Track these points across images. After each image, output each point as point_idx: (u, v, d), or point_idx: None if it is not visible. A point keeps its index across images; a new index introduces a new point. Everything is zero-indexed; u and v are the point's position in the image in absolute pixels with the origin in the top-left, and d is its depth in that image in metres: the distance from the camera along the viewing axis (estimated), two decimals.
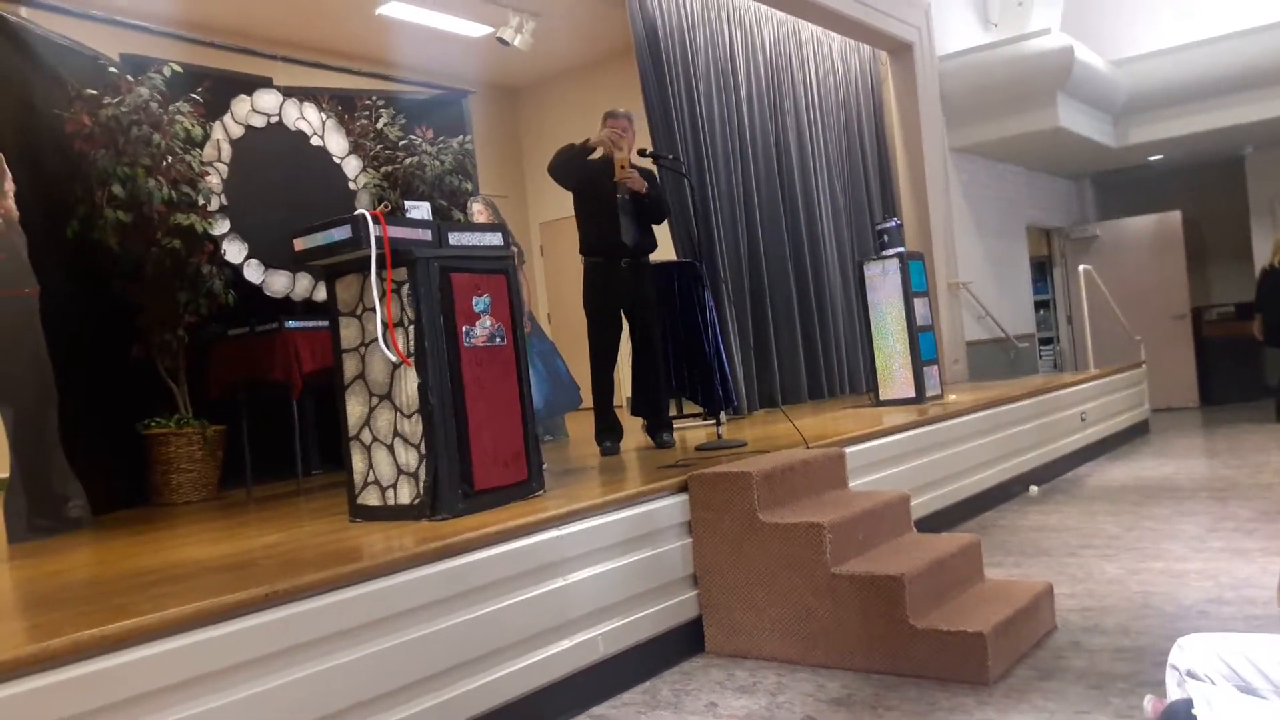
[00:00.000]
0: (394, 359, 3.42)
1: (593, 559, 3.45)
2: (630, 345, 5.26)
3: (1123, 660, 3.33)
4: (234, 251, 5.22)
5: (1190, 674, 1.55)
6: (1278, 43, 9.39)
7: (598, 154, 5.01)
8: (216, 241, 5.16)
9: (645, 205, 5.13)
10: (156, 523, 4.45)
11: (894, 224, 7.18)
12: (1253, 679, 1.48)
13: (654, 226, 5.27)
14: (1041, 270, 12.27)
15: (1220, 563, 4.45)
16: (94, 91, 4.90)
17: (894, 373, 6.86)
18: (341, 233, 3.42)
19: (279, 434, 5.21)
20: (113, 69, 5.10)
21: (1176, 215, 11.76)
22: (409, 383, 3.45)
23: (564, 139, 5.24)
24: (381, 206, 3.71)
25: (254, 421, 5.28)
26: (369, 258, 3.37)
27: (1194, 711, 1.36)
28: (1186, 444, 8.77)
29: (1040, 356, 11.45)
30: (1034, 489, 6.68)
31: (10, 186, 4.30)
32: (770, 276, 7.70)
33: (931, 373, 6.94)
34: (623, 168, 4.95)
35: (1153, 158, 11.51)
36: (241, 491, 5.17)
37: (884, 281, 6.87)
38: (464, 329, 3.51)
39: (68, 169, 4.83)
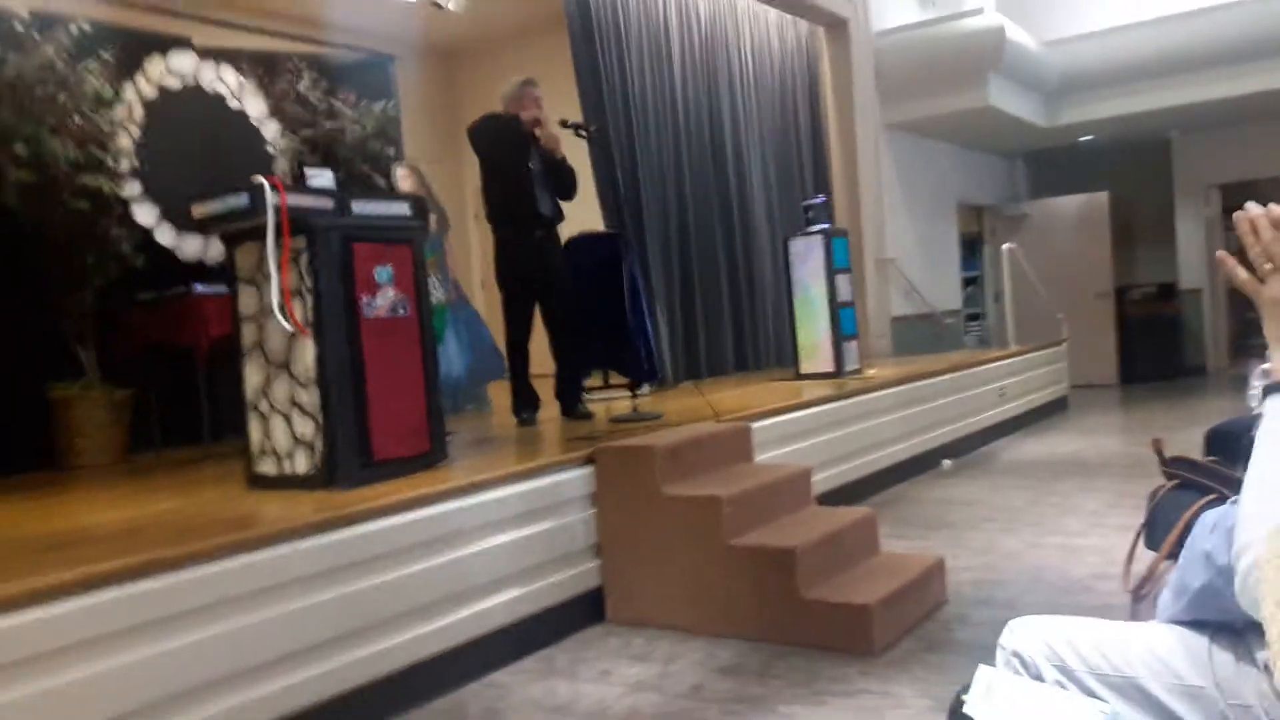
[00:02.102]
0: (290, 329, 3.40)
1: (494, 530, 3.49)
2: (543, 317, 5.25)
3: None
4: (144, 214, 5.12)
5: (1016, 655, 1.59)
6: (1206, 28, 9.57)
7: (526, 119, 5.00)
8: (126, 204, 5.06)
9: (560, 174, 5.13)
10: (58, 487, 4.40)
11: (820, 200, 7.25)
12: (1073, 663, 1.53)
13: (564, 202, 5.28)
14: (972, 247, 12.45)
15: (1113, 538, 4.59)
16: None
17: (816, 347, 6.95)
18: (239, 200, 3.39)
19: (189, 399, 5.15)
20: (19, 26, 4.95)
21: (1104, 196, 11.98)
22: (306, 353, 3.44)
23: (499, 103, 5.22)
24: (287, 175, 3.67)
25: (164, 386, 5.21)
26: (266, 225, 3.34)
27: (964, 697, 1.40)
28: (1101, 421, 9.01)
29: (967, 332, 11.64)
30: (946, 463, 6.83)
31: None
32: (699, 249, 7.73)
33: (852, 348, 7.03)
34: (546, 131, 4.96)
35: (1082, 138, 11.71)
36: (150, 456, 5.12)
37: (808, 257, 6.93)
38: (364, 299, 3.50)
39: None
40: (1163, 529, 2.69)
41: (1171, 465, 2.86)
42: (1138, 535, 2.80)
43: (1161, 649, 1.48)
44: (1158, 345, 11.80)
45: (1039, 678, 1.56)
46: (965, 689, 1.44)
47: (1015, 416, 8.32)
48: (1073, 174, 12.61)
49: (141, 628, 2.50)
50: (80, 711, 2.36)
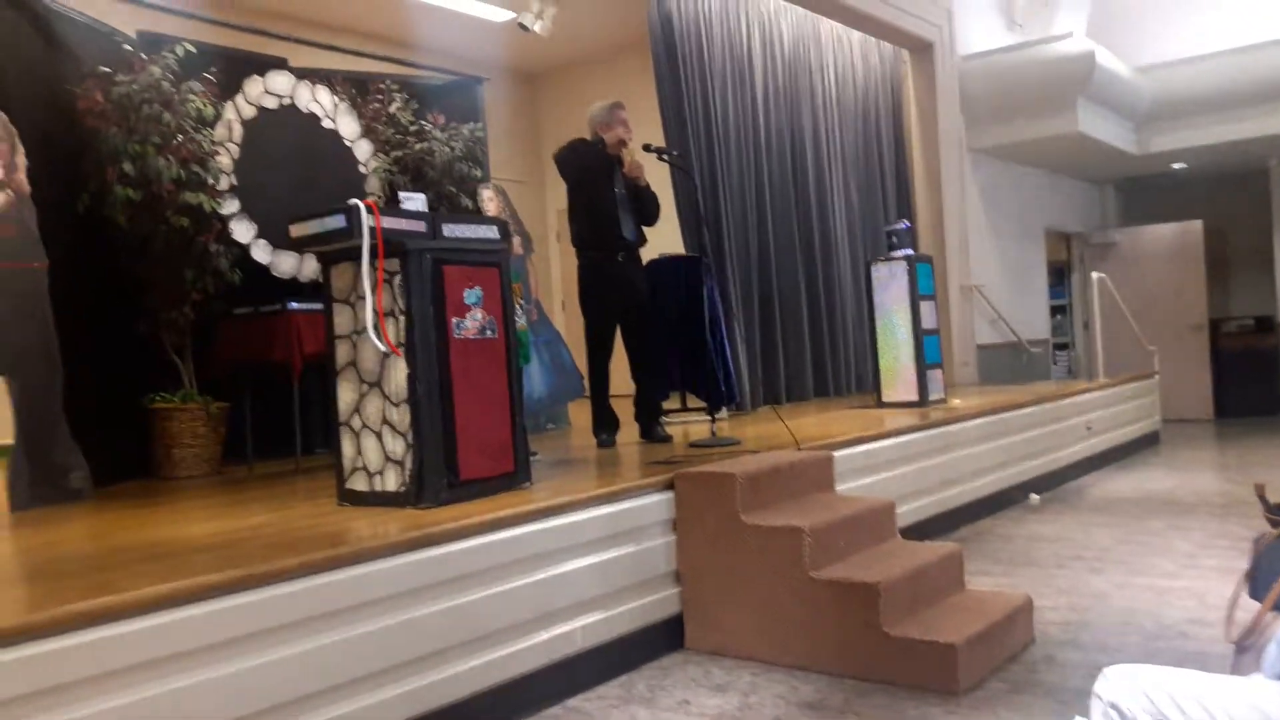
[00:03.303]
0: (383, 349, 3.47)
1: (575, 553, 3.50)
2: (624, 340, 5.28)
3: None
4: (242, 231, 5.27)
5: (1114, 706, 1.55)
6: None
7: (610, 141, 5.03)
8: (224, 221, 5.22)
9: (643, 200, 5.17)
10: (155, 497, 4.54)
11: (904, 226, 7.17)
12: (1173, 717, 1.48)
13: (646, 227, 5.31)
14: (1060, 275, 12.19)
15: (1209, 582, 4.44)
16: (107, 69, 4.96)
17: (898, 375, 6.86)
18: (336, 221, 3.46)
19: (282, 413, 5.28)
20: (127, 46, 5.16)
21: (1198, 224, 11.65)
22: (398, 372, 3.50)
23: (582, 125, 5.28)
24: (379, 195, 3.75)
25: (258, 399, 5.36)
26: (361, 247, 3.41)
27: None
28: (1194, 457, 8.73)
29: (1055, 362, 11.39)
30: (1034, 498, 6.68)
31: (22, 160, 4.36)
32: (780, 274, 7.70)
33: (936, 376, 6.93)
34: (633, 160, 5.01)
35: (1175, 165, 11.40)
36: (243, 468, 5.25)
37: (891, 283, 6.85)
38: (454, 321, 3.55)
39: (79, 145, 4.90)
40: (1267, 579, 2.59)
41: (1277, 512, 2.75)
42: (1240, 583, 2.69)
43: (1269, 706, 1.43)
44: (1254, 380, 11.42)
45: None
46: None
47: (1104, 451, 8.10)
48: (1165, 202, 12.29)
49: (235, 641, 2.55)
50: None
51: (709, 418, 5.64)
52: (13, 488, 4.21)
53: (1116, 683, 1.55)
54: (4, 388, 4.28)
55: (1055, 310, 11.75)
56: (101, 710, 2.29)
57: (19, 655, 2.20)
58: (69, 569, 2.97)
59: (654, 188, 5.31)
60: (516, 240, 5.86)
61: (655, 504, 3.85)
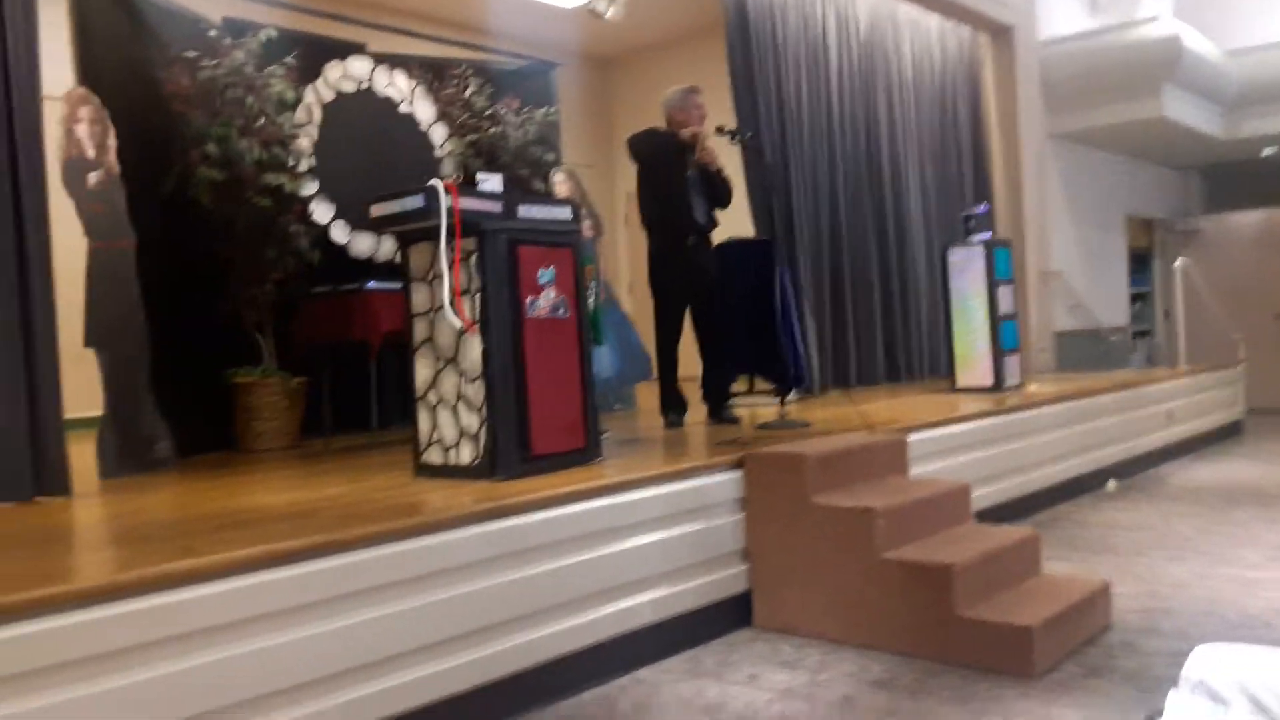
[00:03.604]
0: (459, 326, 3.52)
1: (644, 528, 3.52)
2: (693, 322, 5.29)
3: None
4: (321, 212, 5.38)
5: (1203, 686, 1.51)
6: None
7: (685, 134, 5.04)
8: (305, 202, 5.33)
9: (715, 185, 5.15)
10: (236, 468, 4.67)
11: (982, 209, 7.04)
12: (1266, 699, 1.44)
13: (720, 210, 5.30)
14: (1141, 262, 11.87)
15: None
16: (193, 54, 5.10)
17: (973, 360, 6.75)
18: (415, 201, 3.52)
19: (359, 389, 5.39)
20: (213, 32, 5.29)
21: None
22: (473, 349, 3.55)
23: (653, 110, 5.29)
24: (454, 178, 3.80)
25: (337, 376, 5.48)
26: (439, 227, 3.46)
27: None
28: (1279, 448, 8.45)
29: (1134, 350, 11.10)
30: (1112, 484, 6.53)
31: (113, 143, 4.52)
32: (852, 257, 7.62)
33: (1012, 362, 6.81)
34: (705, 148, 5.00)
35: (1265, 151, 11.01)
36: (320, 442, 5.37)
37: (968, 268, 6.74)
38: (528, 300, 3.59)
39: (166, 128, 5.04)
40: None
41: None
42: None
43: None
44: None
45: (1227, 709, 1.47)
46: (1158, 713, 1.38)
47: (1186, 440, 7.87)
48: (1252, 188, 11.86)
49: (313, 605, 2.62)
50: (258, 681, 2.49)
51: (778, 400, 5.62)
52: (101, 456, 4.38)
53: (1207, 661, 1.50)
54: (95, 361, 4.43)
55: (1135, 298, 11.44)
56: (186, 668, 2.37)
57: (108, 614, 2.29)
58: (154, 534, 3.08)
59: (726, 170, 5.29)
60: (587, 223, 5.88)
61: (724, 483, 3.86)
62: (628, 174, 10.50)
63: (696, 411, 5.45)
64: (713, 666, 3.44)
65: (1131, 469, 6.93)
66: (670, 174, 5.08)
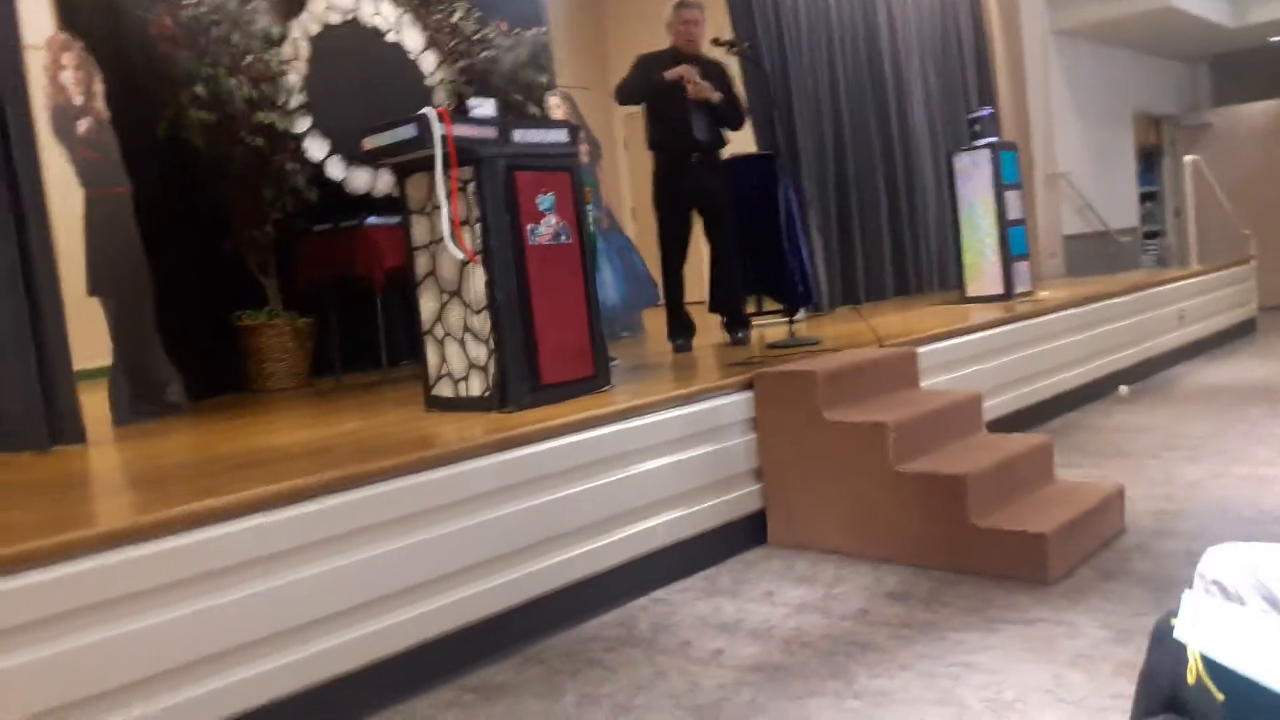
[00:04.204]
0: (461, 257, 3.49)
1: (656, 452, 3.53)
2: (705, 242, 5.25)
3: (1191, 566, 3.23)
4: (316, 149, 5.31)
5: (1217, 584, 1.51)
6: None
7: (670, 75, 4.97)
8: (298, 139, 5.25)
9: (718, 113, 5.08)
10: (249, 409, 4.69)
11: (987, 113, 6.91)
12: None
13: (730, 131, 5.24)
14: (1150, 160, 11.69)
15: None
16: None
17: (983, 268, 6.69)
18: (407, 131, 3.46)
19: (367, 326, 5.38)
20: None
21: None
22: (477, 280, 3.53)
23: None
24: (447, 105, 3.73)
25: (343, 314, 5.46)
26: (434, 156, 3.41)
27: (1173, 621, 1.34)
28: None
29: (1145, 251, 11.00)
30: (1124, 389, 6.52)
31: (100, 88, 4.44)
32: (857, 169, 7.51)
33: (1022, 269, 6.75)
34: (694, 84, 4.93)
35: (1274, 39, 10.75)
36: (331, 380, 5.38)
37: (974, 173, 6.64)
38: (529, 227, 3.55)
39: (155, 70, 4.94)
40: None
41: None
42: None
43: None
44: None
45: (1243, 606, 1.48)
46: (1173, 613, 1.39)
47: (1198, 340, 7.84)
48: (1262, 79, 11.62)
49: (332, 540, 2.65)
50: (283, 617, 2.53)
51: (786, 319, 5.59)
52: (114, 403, 4.39)
53: (1221, 560, 1.50)
54: (100, 310, 4.42)
55: (1145, 197, 11.30)
56: (210, 607, 2.40)
57: (130, 555, 2.31)
58: (172, 476, 3.10)
59: (733, 91, 5.20)
60: (584, 147, 5.80)
61: (734, 404, 3.86)
62: None
63: (705, 335, 5.43)
64: (729, 585, 3.48)
65: (1144, 372, 6.92)
66: (669, 92, 4.99)
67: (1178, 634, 1.35)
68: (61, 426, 3.69)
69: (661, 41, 5.18)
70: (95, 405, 4.16)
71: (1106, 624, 2.87)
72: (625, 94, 5.15)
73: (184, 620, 2.36)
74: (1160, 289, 7.39)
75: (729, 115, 5.18)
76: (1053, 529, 3.26)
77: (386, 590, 2.75)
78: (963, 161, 6.68)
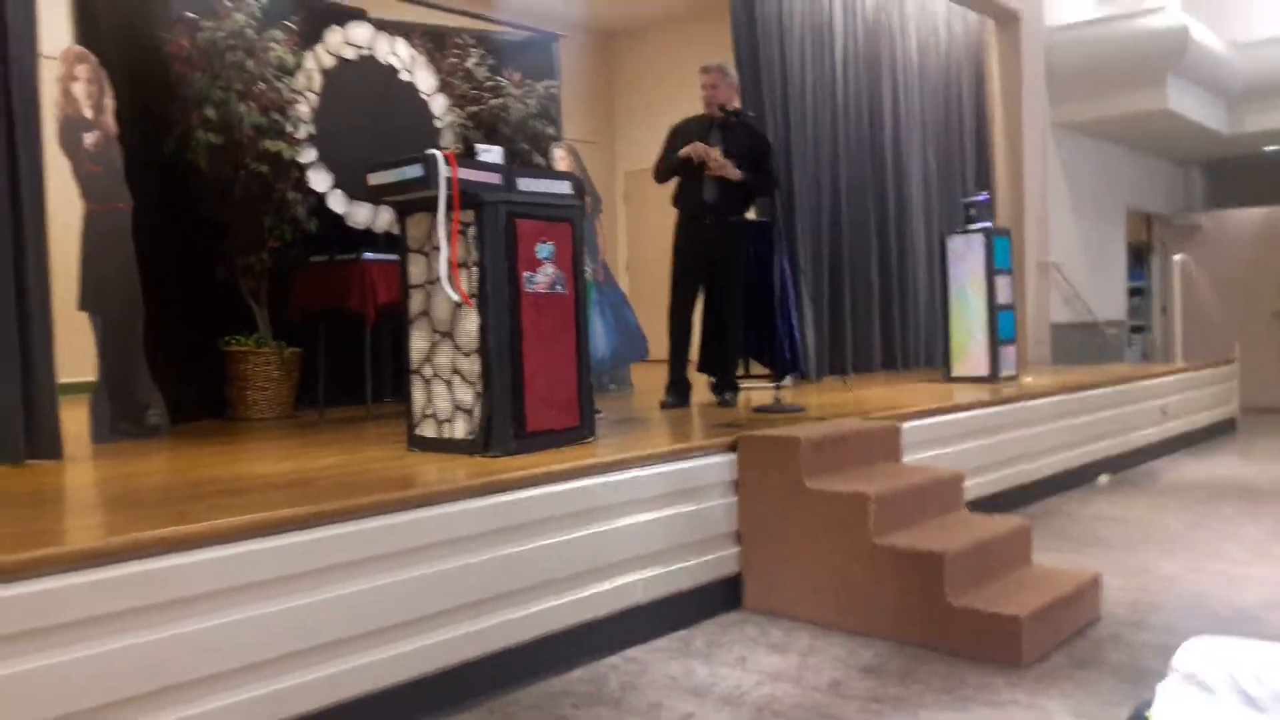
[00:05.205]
0: (455, 299, 3.49)
1: (636, 508, 3.51)
2: (704, 302, 5.30)
3: (1163, 657, 3.23)
4: (319, 180, 5.33)
5: (1193, 678, 1.50)
6: None
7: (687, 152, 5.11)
8: (303, 169, 5.28)
9: (745, 188, 5.23)
10: (229, 436, 4.65)
11: (982, 198, 7.02)
12: (1255, 691, 1.43)
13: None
14: (1140, 256, 11.87)
15: None
16: (194, 15, 5.03)
17: (970, 350, 6.75)
18: (414, 171, 3.49)
19: (354, 360, 5.36)
20: None
21: None
22: (469, 323, 3.53)
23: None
24: (454, 149, 3.76)
25: (331, 347, 5.44)
26: (438, 197, 3.43)
27: (1147, 714, 1.34)
28: (1273, 446, 8.46)
29: (1130, 345, 11.12)
30: (1103, 478, 6.54)
31: (110, 103, 4.46)
32: (851, 241, 7.59)
33: (1009, 353, 6.81)
34: (715, 162, 5.06)
35: (1269, 148, 10.99)
36: (314, 413, 5.35)
37: (967, 256, 6.73)
38: (525, 274, 3.57)
39: (166, 90, 4.98)
40: None
41: None
42: None
43: None
44: None
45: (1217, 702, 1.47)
46: (1147, 704, 1.38)
47: (1179, 436, 7.89)
48: (1254, 186, 11.85)
49: (305, 575, 2.60)
50: (249, 649, 2.48)
51: (773, 384, 5.61)
52: (95, 421, 4.34)
53: (1197, 654, 1.50)
54: (89, 325, 4.40)
55: (1133, 292, 11.45)
56: (176, 634, 2.36)
57: (98, 578, 2.27)
58: (146, 499, 3.06)
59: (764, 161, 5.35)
60: (586, 200, 5.85)
61: (717, 465, 3.85)
62: (627, 151, 10.51)
63: (695, 394, 5.44)
64: (702, 647, 3.45)
65: (1125, 463, 6.95)
66: (684, 159, 5.12)
67: None
68: (39, 441, 3.64)
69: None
70: (75, 421, 4.11)
71: (1078, 711, 2.85)
72: (660, 175, 5.33)
73: (149, 646, 2.32)
74: (1144, 383, 7.46)
75: (755, 188, 5.32)
76: (1028, 613, 3.25)
77: (354, 631, 2.70)
78: (956, 244, 6.76)
